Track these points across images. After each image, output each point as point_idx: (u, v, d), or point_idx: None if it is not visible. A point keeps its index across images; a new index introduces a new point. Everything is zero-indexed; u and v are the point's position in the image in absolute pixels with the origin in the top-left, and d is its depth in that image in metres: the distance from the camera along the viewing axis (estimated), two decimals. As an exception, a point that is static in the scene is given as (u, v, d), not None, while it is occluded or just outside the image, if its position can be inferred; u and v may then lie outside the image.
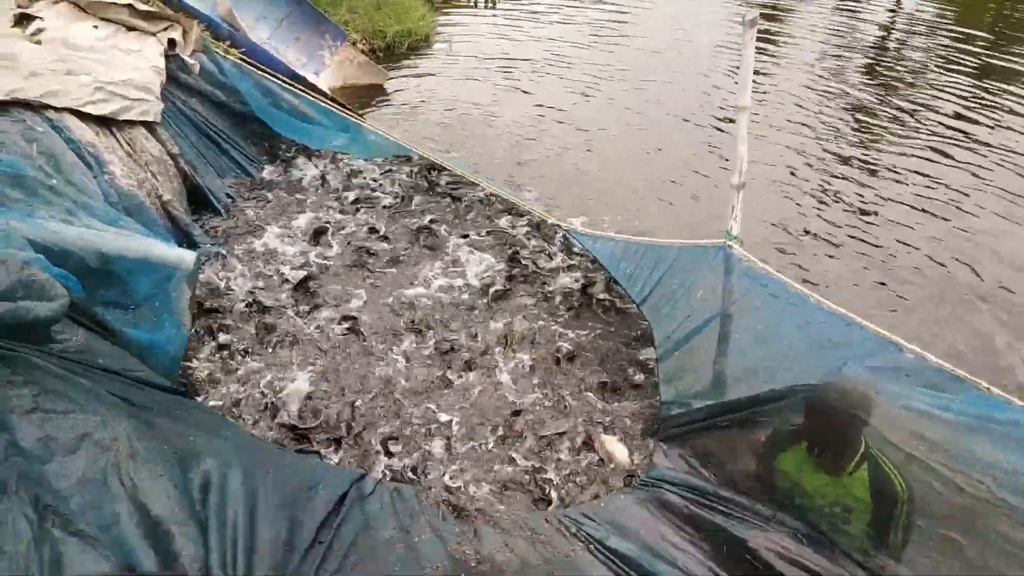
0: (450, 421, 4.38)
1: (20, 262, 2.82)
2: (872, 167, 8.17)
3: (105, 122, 5.64)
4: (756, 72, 11.13)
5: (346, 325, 5.14)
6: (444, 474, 3.99)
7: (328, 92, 8.42)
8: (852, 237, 6.81)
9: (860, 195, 7.55)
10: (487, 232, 6.37)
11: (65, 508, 2.21)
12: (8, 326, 2.52)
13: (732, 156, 4.09)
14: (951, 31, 13.59)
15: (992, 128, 9.19)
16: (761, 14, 12.94)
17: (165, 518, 2.53)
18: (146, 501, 2.55)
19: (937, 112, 9.63)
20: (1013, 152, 8.53)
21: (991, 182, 7.86)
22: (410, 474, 3.99)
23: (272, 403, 4.43)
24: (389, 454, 4.13)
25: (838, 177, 7.93)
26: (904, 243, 6.75)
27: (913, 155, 8.44)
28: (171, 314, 4.40)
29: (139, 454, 2.70)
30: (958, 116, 9.51)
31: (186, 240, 5.80)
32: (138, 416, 2.95)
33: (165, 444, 2.87)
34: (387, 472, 3.98)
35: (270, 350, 4.89)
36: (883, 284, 6.17)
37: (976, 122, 9.33)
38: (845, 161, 8.30)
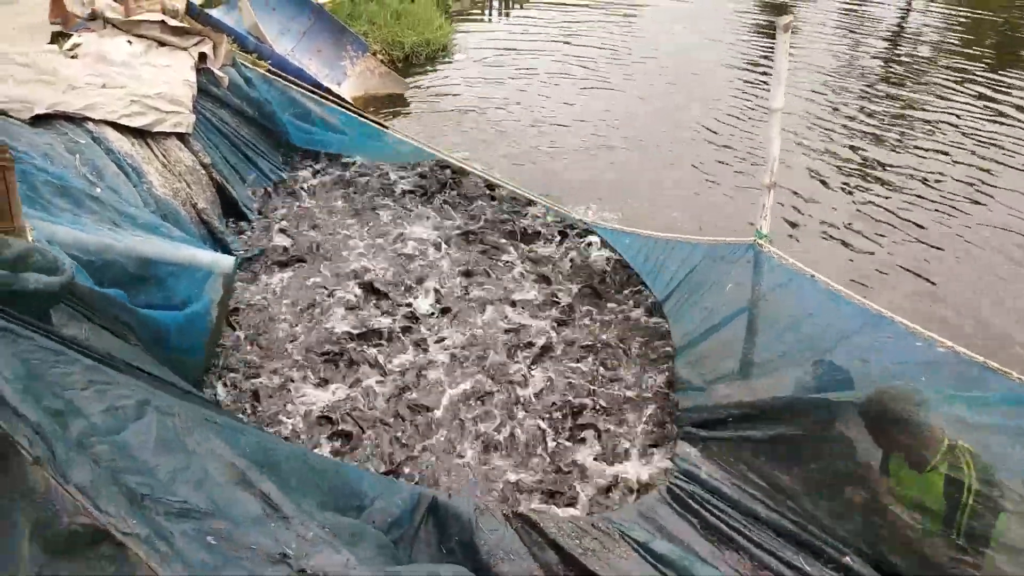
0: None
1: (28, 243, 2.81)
2: (890, 163, 8.23)
3: (140, 134, 5.79)
4: (767, 71, 11.33)
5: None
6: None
7: (351, 102, 8.56)
8: (881, 234, 6.86)
9: (881, 192, 7.60)
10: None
11: (152, 477, 2.23)
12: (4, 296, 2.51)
13: (765, 155, 4.15)
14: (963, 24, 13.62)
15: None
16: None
17: (245, 470, 2.57)
18: (224, 455, 2.58)
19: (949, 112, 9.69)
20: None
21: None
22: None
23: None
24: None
25: (855, 173, 8.00)
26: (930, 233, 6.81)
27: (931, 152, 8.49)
28: (201, 303, 4.49)
29: (203, 422, 2.74)
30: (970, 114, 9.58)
31: (220, 246, 5.93)
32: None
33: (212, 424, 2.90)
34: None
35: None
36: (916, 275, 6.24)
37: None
38: (864, 159, 8.36)
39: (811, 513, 3.74)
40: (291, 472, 2.89)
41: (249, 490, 2.43)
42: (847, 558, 3.57)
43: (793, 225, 6.94)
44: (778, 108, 4.07)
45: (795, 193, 7.50)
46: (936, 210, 7.28)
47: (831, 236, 6.82)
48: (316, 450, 4.14)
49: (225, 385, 4.66)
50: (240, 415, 4.33)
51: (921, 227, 6.98)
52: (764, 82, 10.37)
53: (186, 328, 4.10)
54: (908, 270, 6.31)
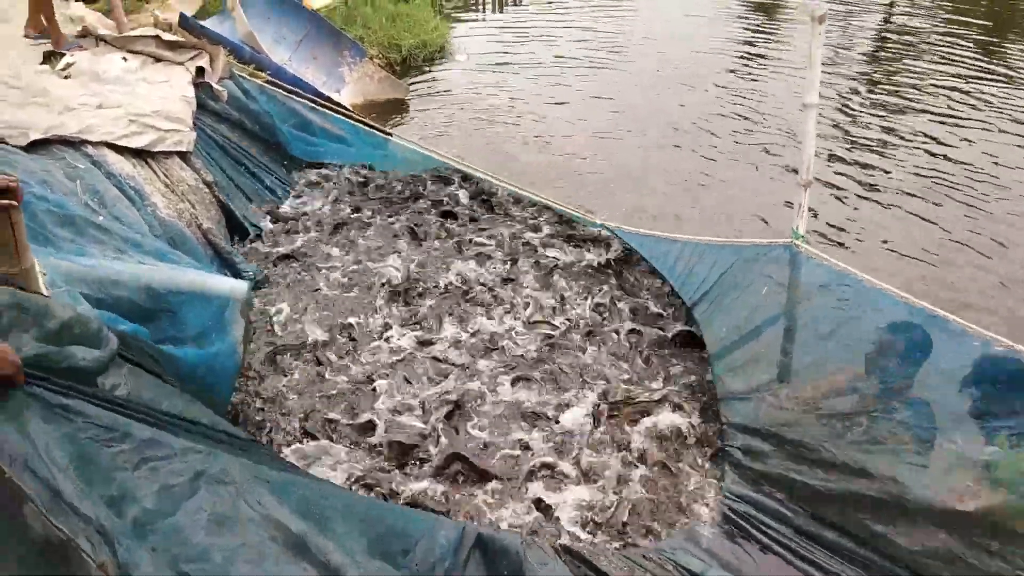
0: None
1: (71, 306, 2.68)
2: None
3: (140, 154, 5.59)
4: (761, 56, 11.18)
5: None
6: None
7: (351, 109, 8.35)
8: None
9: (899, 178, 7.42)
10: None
11: (208, 561, 2.10)
12: (53, 370, 2.38)
13: (800, 154, 3.97)
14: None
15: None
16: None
17: (302, 534, 2.43)
18: (279, 517, 2.44)
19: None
20: None
21: None
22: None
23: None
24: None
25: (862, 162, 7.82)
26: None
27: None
28: (224, 341, 4.32)
29: (254, 480, 2.58)
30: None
31: (228, 268, 5.74)
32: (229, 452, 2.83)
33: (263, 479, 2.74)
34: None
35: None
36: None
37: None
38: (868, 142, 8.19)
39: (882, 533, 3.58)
40: (343, 522, 2.71)
41: (308, 558, 2.26)
42: None
43: (834, 227, 6.70)
44: (813, 103, 3.89)
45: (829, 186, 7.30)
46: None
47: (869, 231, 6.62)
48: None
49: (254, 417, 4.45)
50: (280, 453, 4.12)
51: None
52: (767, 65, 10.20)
53: (213, 366, 3.92)
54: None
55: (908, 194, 7.19)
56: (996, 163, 7.73)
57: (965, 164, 7.73)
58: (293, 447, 4.20)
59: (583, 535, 3.68)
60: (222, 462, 2.48)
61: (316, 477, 3.73)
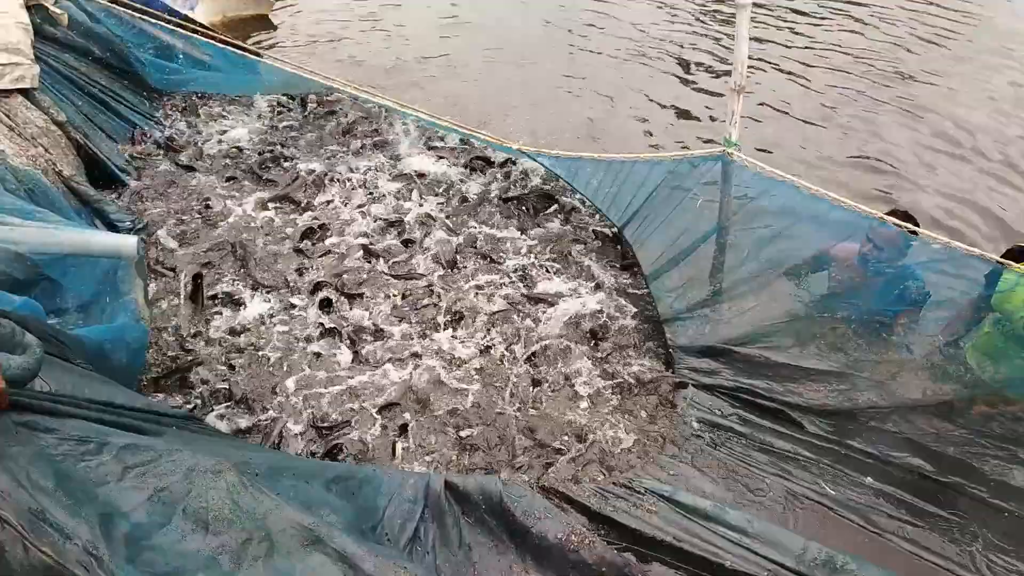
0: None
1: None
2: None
3: (-25, 95, 4.76)
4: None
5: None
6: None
7: (213, 29, 7.49)
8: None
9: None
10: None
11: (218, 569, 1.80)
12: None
13: (731, 57, 3.80)
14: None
15: None
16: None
17: (313, 527, 2.13)
18: (285, 512, 2.13)
19: None
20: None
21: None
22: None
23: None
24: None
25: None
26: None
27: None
28: (125, 310, 3.80)
29: (248, 468, 2.24)
30: None
31: (100, 219, 5.07)
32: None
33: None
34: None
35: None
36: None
37: None
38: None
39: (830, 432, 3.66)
40: (329, 496, 2.44)
41: (323, 550, 1.98)
42: (868, 478, 3.50)
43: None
44: (745, 3, 3.71)
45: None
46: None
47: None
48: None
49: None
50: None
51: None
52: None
53: (120, 341, 3.42)
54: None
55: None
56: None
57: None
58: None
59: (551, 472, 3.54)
60: (206, 456, 2.14)
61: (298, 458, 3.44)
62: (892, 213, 3.69)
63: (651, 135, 6.71)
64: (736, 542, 3.08)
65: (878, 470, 3.53)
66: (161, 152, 6.00)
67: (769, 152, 6.20)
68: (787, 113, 7.05)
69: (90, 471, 1.87)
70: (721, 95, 7.05)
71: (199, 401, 3.87)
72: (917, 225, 3.56)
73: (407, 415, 3.83)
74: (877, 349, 3.72)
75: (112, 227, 5.01)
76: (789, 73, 7.77)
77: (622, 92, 7.44)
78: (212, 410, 3.80)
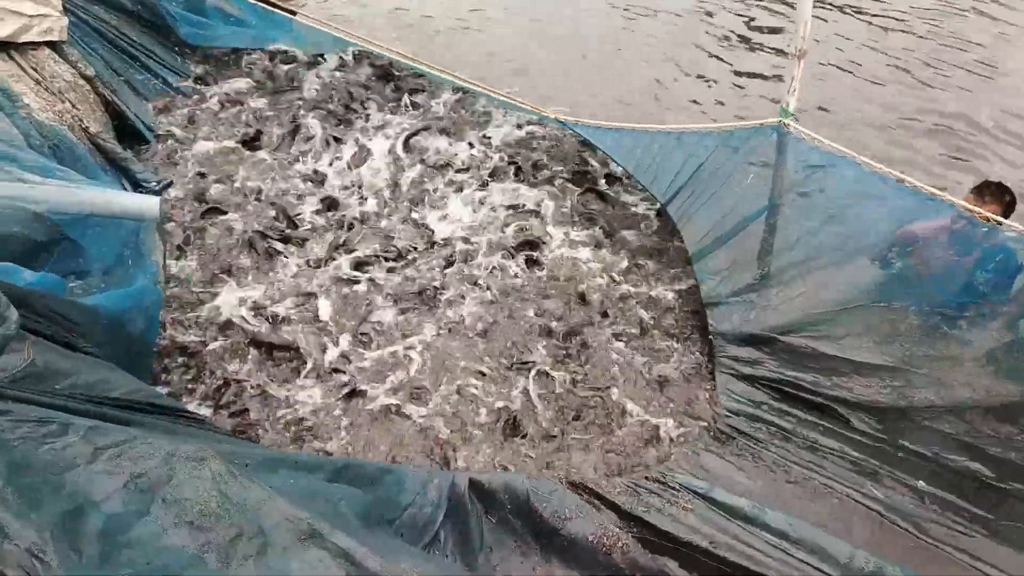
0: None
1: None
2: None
3: (3, 47, 4.62)
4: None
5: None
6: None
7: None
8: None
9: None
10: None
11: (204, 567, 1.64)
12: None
13: (796, 19, 3.52)
14: None
15: None
16: None
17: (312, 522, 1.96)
18: (279, 507, 1.95)
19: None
20: None
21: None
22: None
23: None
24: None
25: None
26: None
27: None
28: (146, 272, 3.68)
29: (236, 458, 2.08)
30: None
31: (125, 177, 4.95)
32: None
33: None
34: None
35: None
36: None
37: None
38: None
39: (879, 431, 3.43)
40: (332, 491, 2.27)
41: (322, 545, 1.80)
42: (920, 482, 3.27)
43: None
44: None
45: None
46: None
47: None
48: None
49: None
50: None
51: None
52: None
53: (139, 307, 3.28)
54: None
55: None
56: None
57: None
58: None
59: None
60: (190, 440, 1.98)
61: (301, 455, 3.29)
62: (985, 185, 3.40)
63: (699, 103, 6.37)
64: (776, 546, 2.89)
65: (932, 473, 3.30)
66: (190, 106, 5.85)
67: (828, 111, 5.86)
68: (851, 72, 6.66)
69: (55, 454, 1.70)
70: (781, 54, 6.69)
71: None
72: (1014, 199, 3.26)
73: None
74: (936, 343, 3.45)
75: (137, 186, 4.90)
76: (858, 25, 7.34)
77: (675, 54, 7.08)
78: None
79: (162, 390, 3.53)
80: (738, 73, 6.76)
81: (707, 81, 6.67)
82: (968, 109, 6.11)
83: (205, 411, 3.53)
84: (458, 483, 2.76)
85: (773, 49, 7.08)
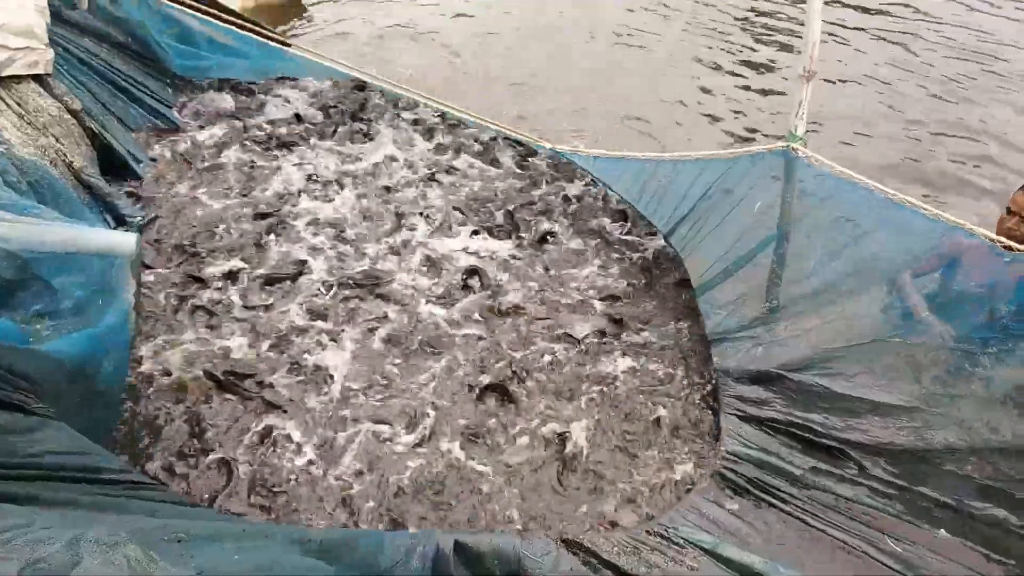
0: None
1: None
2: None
3: (-16, 80, 4.51)
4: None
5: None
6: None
7: (240, 14, 7.20)
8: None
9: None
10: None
11: None
12: None
13: (804, 40, 3.35)
14: None
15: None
16: None
17: None
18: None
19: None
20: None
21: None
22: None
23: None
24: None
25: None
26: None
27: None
28: (115, 311, 3.49)
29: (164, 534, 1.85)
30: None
31: (110, 213, 4.80)
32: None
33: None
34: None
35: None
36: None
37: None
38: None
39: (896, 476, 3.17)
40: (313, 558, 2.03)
41: None
42: (941, 531, 3.01)
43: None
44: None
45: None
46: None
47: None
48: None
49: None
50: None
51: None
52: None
53: (104, 348, 3.11)
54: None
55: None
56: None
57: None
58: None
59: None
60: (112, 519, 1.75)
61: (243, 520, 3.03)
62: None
63: (703, 125, 6.21)
64: None
65: (953, 521, 3.04)
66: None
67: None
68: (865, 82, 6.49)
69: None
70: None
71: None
72: None
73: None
74: (957, 381, 3.22)
75: (121, 222, 4.74)
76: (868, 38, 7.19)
77: (675, 74, 6.95)
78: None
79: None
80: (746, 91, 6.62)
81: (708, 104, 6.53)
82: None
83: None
84: (443, 547, 2.53)
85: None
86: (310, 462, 3.29)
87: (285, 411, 3.51)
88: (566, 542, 2.87)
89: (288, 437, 3.39)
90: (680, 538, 2.92)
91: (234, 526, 2.41)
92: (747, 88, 6.69)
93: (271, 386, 3.63)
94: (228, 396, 3.58)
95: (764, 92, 6.58)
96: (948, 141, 5.80)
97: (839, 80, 6.65)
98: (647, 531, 2.98)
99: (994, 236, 3.04)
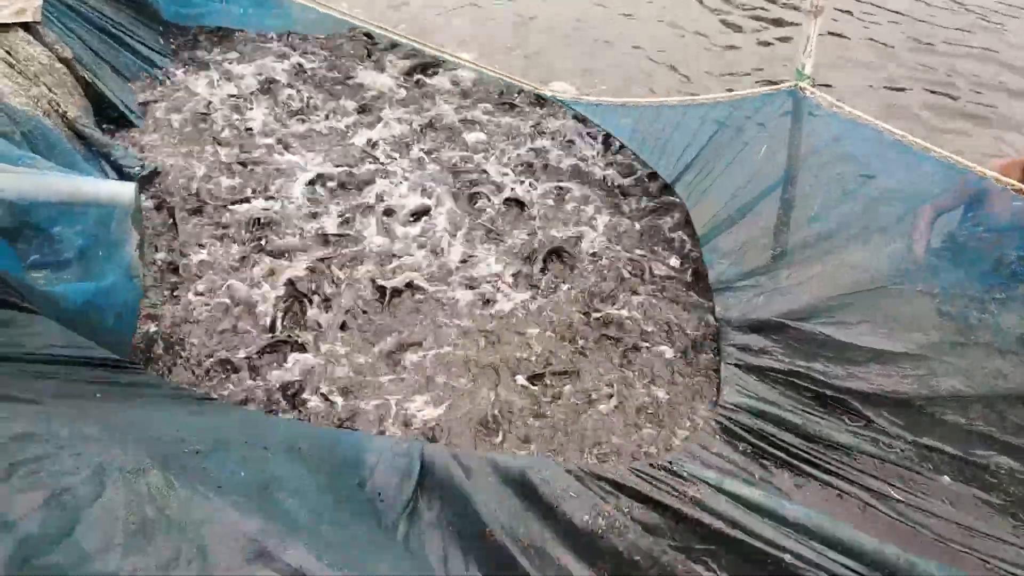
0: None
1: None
2: None
3: (-31, 30, 4.41)
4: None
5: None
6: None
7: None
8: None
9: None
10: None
11: None
12: None
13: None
14: None
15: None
16: None
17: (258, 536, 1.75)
18: (226, 516, 1.75)
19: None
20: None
21: None
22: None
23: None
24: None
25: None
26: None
27: None
28: (117, 266, 3.46)
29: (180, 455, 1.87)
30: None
31: (106, 162, 4.73)
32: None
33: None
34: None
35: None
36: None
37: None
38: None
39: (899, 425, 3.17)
40: (291, 465, 2.06)
41: (271, 566, 1.60)
42: (945, 478, 3.01)
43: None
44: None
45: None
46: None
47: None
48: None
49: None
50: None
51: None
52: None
53: (108, 302, 3.13)
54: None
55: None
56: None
57: None
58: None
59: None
60: (134, 442, 1.76)
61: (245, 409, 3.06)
62: None
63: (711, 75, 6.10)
64: (792, 537, 2.59)
65: (957, 469, 3.03)
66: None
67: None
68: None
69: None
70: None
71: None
72: None
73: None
74: (964, 328, 3.18)
75: (120, 172, 4.68)
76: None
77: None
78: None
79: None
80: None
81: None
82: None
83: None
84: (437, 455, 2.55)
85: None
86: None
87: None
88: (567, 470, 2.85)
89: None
90: (684, 471, 2.90)
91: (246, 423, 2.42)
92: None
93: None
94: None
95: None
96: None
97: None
98: (651, 464, 2.94)
99: (1005, 179, 2.97)
